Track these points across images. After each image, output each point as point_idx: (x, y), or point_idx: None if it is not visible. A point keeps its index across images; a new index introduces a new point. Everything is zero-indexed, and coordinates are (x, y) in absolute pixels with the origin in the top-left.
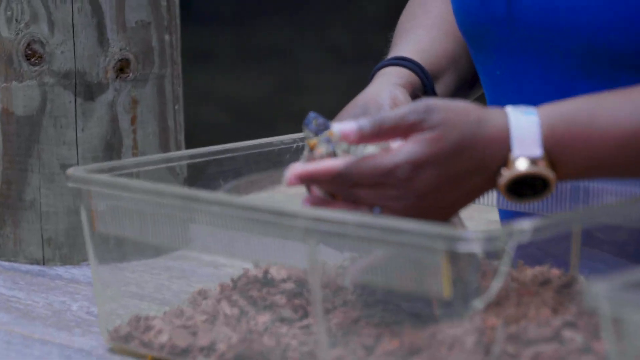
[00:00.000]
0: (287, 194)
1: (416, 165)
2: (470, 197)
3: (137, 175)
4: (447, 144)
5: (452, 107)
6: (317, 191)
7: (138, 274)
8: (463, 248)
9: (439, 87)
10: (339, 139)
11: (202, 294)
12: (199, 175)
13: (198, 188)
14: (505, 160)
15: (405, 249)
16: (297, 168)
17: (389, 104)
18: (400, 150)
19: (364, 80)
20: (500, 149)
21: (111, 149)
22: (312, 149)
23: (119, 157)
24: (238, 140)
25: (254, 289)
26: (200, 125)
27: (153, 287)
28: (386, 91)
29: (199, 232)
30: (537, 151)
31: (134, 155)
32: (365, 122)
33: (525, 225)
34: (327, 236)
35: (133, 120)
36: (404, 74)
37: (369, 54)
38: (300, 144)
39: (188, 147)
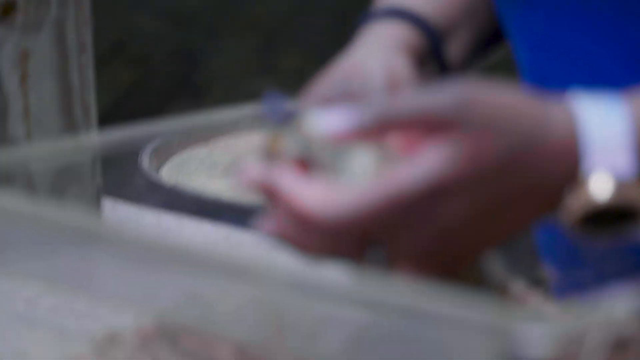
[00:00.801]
0: (234, 153)
1: (443, 192)
2: (512, 230)
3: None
4: (490, 161)
5: (499, 102)
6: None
7: None
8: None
9: (451, 49)
10: (324, 138)
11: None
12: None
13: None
14: (570, 177)
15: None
16: (254, 172)
17: (382, 79)
18: (418, 169)
19: None
20: (565, 162)
21: None
22: (272, 147)
23: (5, 128)
24: (177, 51)
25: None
26: (136, 36)
27: None
28: (379, 60)
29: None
30: (627, 166)
31: (26, 124)
32: (367, 114)
33: (620, 307)
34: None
35: (23, 79)
36: (403, 34)
37: None
38: (256, 126)
39: (118, 67)
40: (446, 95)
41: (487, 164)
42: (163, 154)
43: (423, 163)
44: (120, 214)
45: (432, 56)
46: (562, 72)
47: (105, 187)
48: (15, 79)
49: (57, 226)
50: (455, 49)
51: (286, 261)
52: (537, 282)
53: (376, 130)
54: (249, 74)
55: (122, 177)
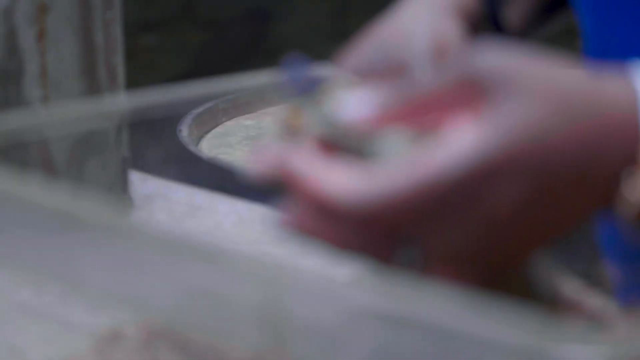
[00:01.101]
0: (273, 122)
1: (489, 174)
2: (564, 225)
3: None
4: (538, 135)
5: (545, 73)
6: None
7: None
8: None
9: (510, 14)
10: (348, 123)
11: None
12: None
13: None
14: (629, 159)
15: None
16: (271, 153)
17: (428, 45)
18: (456, 149)
19: None
20: (624, 140)
21: (7, 77)
22: (292, 122)
23: (19, 90)
24: (249, 14)
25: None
26: None
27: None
28: (425, 22)
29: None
30: None
31: (43, 87)
32: (390, 95)
33: None
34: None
35: (40, 36)
36: None
37: None
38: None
39: (188, 30)
40: (474, 62)
41: (535, 139)
42: (205, 124)
43: (461, 141)
44: (149, 189)
45: (488, 21)
46: (627, 41)
47: (134, 159)
48: (31, 37)
49: (58, 212)
50: (514, 14)
51: (304, 259)
52: (597, 283)
53: (407, 112)
54: (322, 38)
55: (154, 148)
